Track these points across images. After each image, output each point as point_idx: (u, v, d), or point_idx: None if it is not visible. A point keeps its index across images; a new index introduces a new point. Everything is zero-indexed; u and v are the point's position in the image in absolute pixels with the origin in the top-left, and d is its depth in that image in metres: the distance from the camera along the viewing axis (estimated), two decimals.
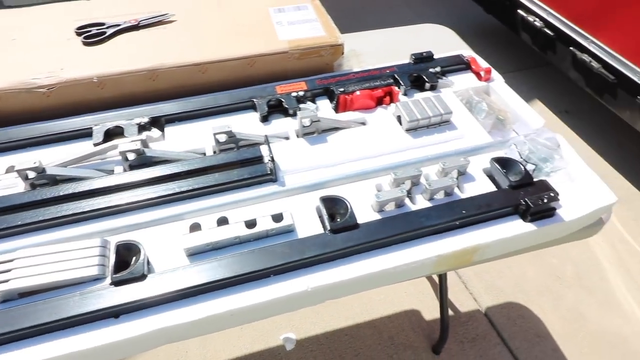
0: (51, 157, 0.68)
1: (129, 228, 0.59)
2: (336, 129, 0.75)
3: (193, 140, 0.72)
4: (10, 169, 0.67)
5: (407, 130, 0.73)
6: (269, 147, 0.65)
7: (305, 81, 0.81)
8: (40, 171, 0.63)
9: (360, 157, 0.69)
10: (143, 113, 0.74)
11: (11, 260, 0.53)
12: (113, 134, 0.72)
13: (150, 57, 0.79)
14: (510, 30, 1.96)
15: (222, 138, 0.69)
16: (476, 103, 0.78)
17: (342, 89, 0.78)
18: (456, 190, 0.63)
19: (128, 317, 0.50)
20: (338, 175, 0.66)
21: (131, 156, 0.66)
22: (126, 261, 0.55)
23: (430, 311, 1.27)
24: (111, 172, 0.68)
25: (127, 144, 0.66)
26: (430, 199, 0.63)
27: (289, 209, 0.60)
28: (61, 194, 0.61)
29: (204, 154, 0.71)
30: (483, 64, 0.87)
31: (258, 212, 0.59)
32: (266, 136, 0.67)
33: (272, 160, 0.64)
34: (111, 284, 0.51)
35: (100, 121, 0.73)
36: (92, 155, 0.67)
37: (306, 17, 0.91)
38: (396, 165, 0.67)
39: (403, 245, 0.57)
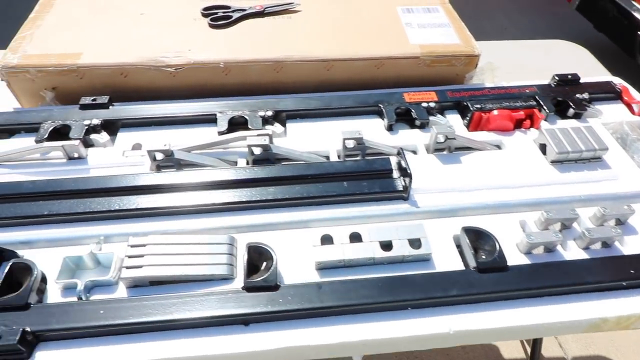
0: (174, 139, 0.66)
1: (254, 228, 0.57)
2: (469, 148, 0.70)
3: (314, 140, 0.69)
4: (136, 146, 0.68)
5: (553, 162, 0.66)
6: (406, 161, 0.60)
7: (435, 91, 0.75)
8: (169, 154, 0.63)
9: (499, 185, 0.63)
10: (267, 105, 0.71)
11: (143, 245, 0.53)
12: (236, 123, 0.70)
13: (276, 48, 0.76)
14: (625, 53, 1.79)
15: (351, 144, 0.66)
16: (632, 141, 0.69)
17: (478, 106, 0.72)
18: (616, 242, 0.56)
19: (257, 327, 0.48)
20: (476, 204, 0.60)
21: (257, 151, 0.64)
22: (255, 265, 0.53)
23: (510, 350, 1.19)
24: (234, 163, 0.67)
25: (256, 137, 0.64)
26: (586, 249, 0.56)
27: (422, 233, 0.55)
28: (191, 181, 0.59)
29: (327, 157, 0.69)
30: (637, 95, 0.78)
31: (388, 231, 0.55)
32: (401, 149, 0.63)
33: (408, 176, 0.60)
34: (243, 288, 0.50)
35: (223, 108, 0.71)
36: (218, 144, 0.66)
37: (437, 20, 0.85)
38: (543, 202, 0.60)
39: (558, 298, 0.51)
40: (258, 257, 0.53)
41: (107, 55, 0.73)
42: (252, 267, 0.52)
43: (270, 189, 0.59)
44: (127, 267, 0.50)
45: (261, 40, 0.78)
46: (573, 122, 0.72)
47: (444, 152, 0.68)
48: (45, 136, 0.66)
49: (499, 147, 0.70)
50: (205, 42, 0.77)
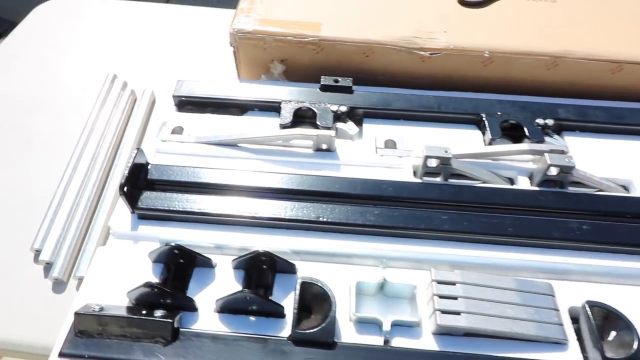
0: (429, 140, 0.53)
1: (568, 273, 0.44)
2: None
3: (600, 162, 0.52)
4: (389, 144, 0.56)
5: None
6: None
7: None
8: (446, 162, 0.52)
9: None
10: (540, 110, 0.56)
11: (453, 284, 0.43)
12: (506, 129, 0.56)
13: (550, 39, 0.60)
14: None
15: None
16: None
17: None
18: None
19: None
20: None
21: (554, 171, 0.51)
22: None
23: None
24: (510, 180, 0.55)
25: (555, 156, 0.50)
26: None
27: None
28: (477, 200, 0.47)
29: (625, 187, 0.54)
30: None
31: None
32: None
33: None
34: None
35: (488, 108, 0.56)
36: (503, 154, 0.52)
37: None
38: None
39: None
40: (602, 322, 0.41)
41: (350, 30, 0.61)
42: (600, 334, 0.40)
43: (584, 225, 0.45)
44: (442, 312, 0.40)
45: (529, 28, 0.62)
46: None
47: None
48: (290, 120, 0.57)
49: None
50: (461, 23, 0.62)
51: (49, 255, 0.54)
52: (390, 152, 0.54)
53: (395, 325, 0.40)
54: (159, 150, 0.55)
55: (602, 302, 0.40)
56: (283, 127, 0.56)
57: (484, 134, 0.56)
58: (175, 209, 0.47)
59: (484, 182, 0.52)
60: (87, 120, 0.68)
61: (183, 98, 0.59)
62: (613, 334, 0.39)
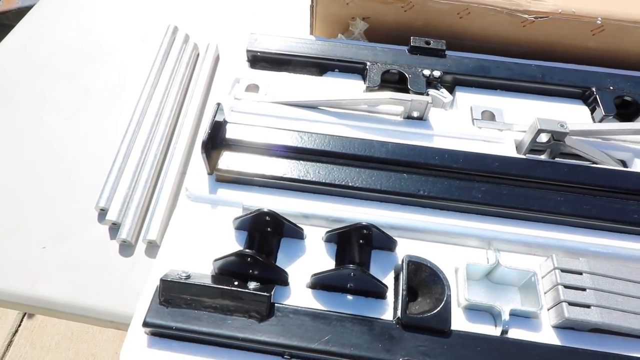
0: (529, 113, 0.47)
1: None
2: None
3: None
4: (487, 115, 0.50)
5: None
6: None
7: None
8: (559, 138, 0.45)
9: None
10: None
11: (579, 273, 0.37)
12: (623, 106, 0.50)
13: None
14: None
15: None
16: None
17: None
18: None
19: None
20: None
21: None
22: None
23: None
24: (622, 162, 0.48)
25: None
26: None
27: None
28: (595, 182, 0.41)
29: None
30: None
31: None
32: None
33: None
34: None
35: (595, 81, 0.49)
36: (617, 133, 0.45)
37: None
38: None
39: None
40: None
41: None
42: None
43: None
44: (570, 304, 0.35)
45: None
46: None
47: None
48: (378, 83, 0.50)
49: None
50: None
51: (116, 216, 0.49)
52: (489, 125, 0.48)
53: (513, 315, 0.36)
54: (234, 108, 0.49)
55: None
56: (370, 90, 0.50)
57: (593, 110, 0.49)
58: (258, 172, 0.42)
59: (594, 163, 0.46)
60: (149, 74, 0.62)
61: (258, 53, 0.53)
62: None
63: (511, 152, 0.46)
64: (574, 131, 0.44)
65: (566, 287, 0.35)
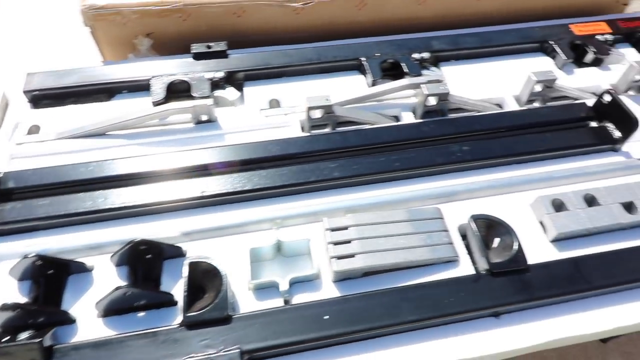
0: (314, 92, 0.48)
1: (454, 196, 0.43)
2: None
3: (480, 86, 0.52)
4: (274, 103, 0.52)
5: None
6: (623, 104, 0.47)
7: (605, 21, 0.61)
8: (329, 111, 0.48)
9: None
10: (419, 45, 0.55)
11: (345, 228, 0.40)
12: (387, 69, 0.54)
13: None
14: None
15: (538, 88, 0.52)
16: None
17: None
18: None
19: (511, 319, 0.37)
20: None
21: (433, 101, 0.49)
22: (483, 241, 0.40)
23: None
24: (395, 118, 0.53)
25: (431, 85, 0.48)
26: None
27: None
28: (369, 142, 0.45)
29: (499, 105, 0.54)
30: None
31: (626, 191, 0.41)
32: (612, 90, 0.48)
33: (630, 121, 0.46)
34: (487, 272, 0.37)
35: (367, 51, 0.53)
36: (378, 95, 0.50)
37: None
38: None
39: None
40: (486, 232, 0.40)
41: None
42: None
43: (465, 146, 0.46)
44: (338, 258, 0.37)
45: None
46: None
47: (631, 93, 0.55)
48: (163, 96, 0.49)
49: None
50: None
51: None
52: (275, 112, 0.50)
53: (296, 282, 0.37)
54: (14, 155, 0.46)
55: (484, 213, 0.40)
56: (157, 104, 0.49)
57: (366, 77, 0.54)
58: (36, 216, 0.39)
59: (372, 124, 0.50)
60: None
61: (36, 92, 0.50)
62: (497, 240, 0.39)
63: (297, 132, 0.48)
64: (339, 102, 0.48)
65: (335, 244, 0.37)
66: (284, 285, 0.36)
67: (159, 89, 0.49)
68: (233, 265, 0.37)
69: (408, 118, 0.50)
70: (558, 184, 0.44)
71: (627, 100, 0.52)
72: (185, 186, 0.42)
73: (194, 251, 0.39)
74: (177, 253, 0.38)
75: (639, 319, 0.36)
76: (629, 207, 0.42)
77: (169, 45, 0.56)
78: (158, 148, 0.46)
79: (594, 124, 0.49)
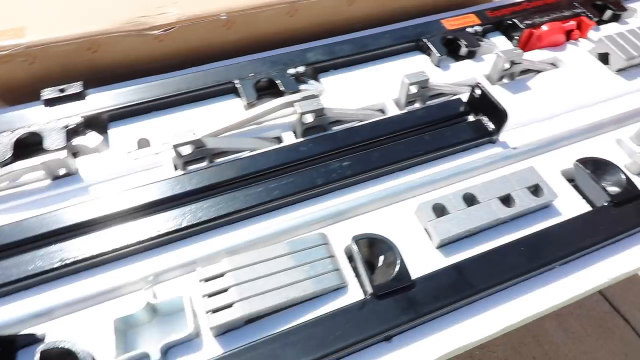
0: (189, 124, 0.47)
1: (336, 217, 0.41)
2: (528, 71, 0.58)
3: (360, 93, 0.52)
4: (143, 143, 0.47)
5: (618, 71, 0.58)
6: (492, 96, 0.48)
7: (474, 13, 0.62)
8: (200, 145, 0.44)
9: (577, 105, 0.54)
10: (294, 59, 0.53)
11: (221, 275, 0.36)
12: (262, 88, 0.51)
13: None
14: None
15: (414, 89, 0.52)
16: None
17: (528, 22, 0.60)
18: None
19: (402, 340, 0.36)
20: (570, 131, 0.49)
21: (310, 118, 0.47)
22: (368, 261, 0.39)
23: None
24: (276, 140, 0.50)
25: (305, 102, 0.47)
26: None
27: (537, 177, 0.43)
28: (244, 172, 0.41)
29: (381, 110, 0.54)
30: None
31: (501, 184, 0.42)
32: (479, 84, 0.49)
33: (499, 114, 0.47)
34: (373, 295, 0.36)
35: (241, 72, 0.51)
36: (253, 120, 0.47)
37: None
38: (629, 116, 0.53)
39: None
40: (369, 252, 0.39)
41: (64, 26, 0.48)
42: (367, 264, 0.39)
43: (345, 162, 0.44)
44: (214, 311, 0.34)
45: None
46: (626, 26, 0.64)
47: (505, 81, 0.57)
48: (10, 155, 0.43)
49: (554, 65, 0.60)
50: None
51: None
52: (144, 152, 0.45)
53: (171, 347, 0.34)
54: None
55: (365, 232, 0.38)
56: (3, 165, 0.43)
57: (242, 100, 0.51)
58: None
59: (252, 151, 0.47)
60: None
61: None
62: (381, 258, 0.38)
63: (170, 172, 0.44)
64: (211, 132, 0.45)
65: (210, 295, 0.35)
66: (155, 355, 0.32)
67: (4, 147, 0.43)
68: (101, 341, 0.33)
69: (290, 138, 0.48)
70: (441, 186, 0.44)
71: (499, 90, 0.54)
72: (32, 260, 0.36)
73: (55, 331, 0.34)
74: (30, 341, 0.33)
75: (523, 317, 0.37)
76: (506, 200, 0.42)
77: (21, 92, 0.49)
78: (7, 216, 0.40)
79: (471, 118, 0.50)
